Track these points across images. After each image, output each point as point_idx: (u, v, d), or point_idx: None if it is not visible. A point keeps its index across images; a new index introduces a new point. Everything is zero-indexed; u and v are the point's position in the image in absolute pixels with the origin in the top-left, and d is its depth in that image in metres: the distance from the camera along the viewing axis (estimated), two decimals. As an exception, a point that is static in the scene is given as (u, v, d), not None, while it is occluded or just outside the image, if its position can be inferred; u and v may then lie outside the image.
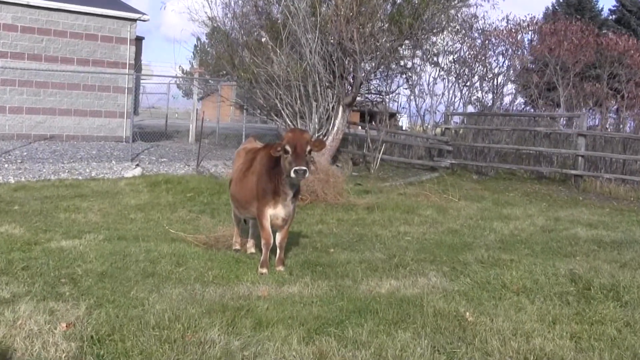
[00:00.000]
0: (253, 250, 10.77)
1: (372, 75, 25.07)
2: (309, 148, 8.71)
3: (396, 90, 29.52)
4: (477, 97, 30.59)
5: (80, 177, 19.20)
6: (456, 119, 28.80)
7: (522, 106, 31.82)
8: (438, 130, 29.91)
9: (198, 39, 29.53)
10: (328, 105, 21.77)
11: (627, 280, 8.93)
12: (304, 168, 8.47)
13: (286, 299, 7.96)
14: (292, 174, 8.47)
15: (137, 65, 28.49)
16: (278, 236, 9.70)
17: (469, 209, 16.76)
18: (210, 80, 34.72)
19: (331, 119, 22.39)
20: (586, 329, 7.08)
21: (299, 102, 21.07)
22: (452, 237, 12.83)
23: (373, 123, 29.51)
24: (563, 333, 6.92)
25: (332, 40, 22.05)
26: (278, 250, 9.69)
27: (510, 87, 30.92)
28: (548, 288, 8.68)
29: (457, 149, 26.51)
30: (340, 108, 22.53)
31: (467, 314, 7.42)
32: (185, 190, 17.18)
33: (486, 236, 13.05)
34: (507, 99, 31.17)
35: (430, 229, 13.78)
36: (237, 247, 10.99)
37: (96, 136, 27.06)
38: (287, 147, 8.62)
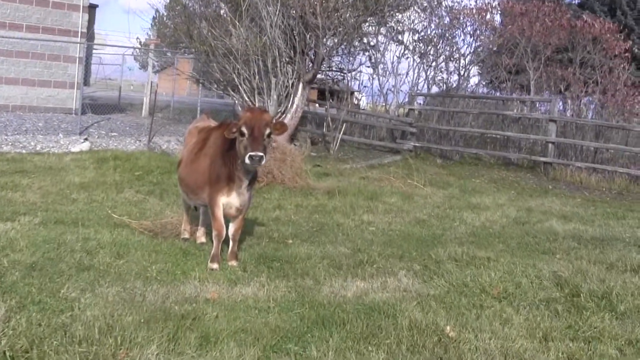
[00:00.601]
0: (203, 239, 9.80)
1: (334, 51, 24.15)
2: (268, 131, 7.81)
3: (358, 68, 28.52)
4: (442, 77, 29.59)
5: (24, 151, 17.88)
6: (420, 100, 27.76)
7: (488, 89, 30.80)
8: (401, 111, 28.91)
9: (157, 10, 28.42)
10: (288, 81, 21.04)
11: (618, 286, 8.19)
12: (261, 154, 7.56)
13: (239, 303, 7.08)
14: (247, 160, 7.60)
15: (89, 34, 27.11)
16: (231, 227, 8.77)
17: (435, 196, 15.97)
18: (167, 53, 33.57)
19: (290, 96, 21.67)
20: (583, 348, 6.34)
21: (257, 77, 20.25)
22: (420, 229, 12.03)
23: (332, 101, 28.43)
24: (559, 354, 6.17)
25: (293, 14, 21.27)
26: (231, 243, 8.77)
27: (476, 69, 29.97)
28: (532, 293, 7.94)
29: (421, 131, 25.54)
30: (300, 85, 21.85)
31: (448, 327, 6.58)
32: (134, 168, 16.08)
33: (456, 228, 12.31)
34: (473, 81, 30.26)
35: (395, 218, 12.95)
36: (186, 235, 10.02)
37: (44, 107, 25.56)
38: (244, 129, 7.72)
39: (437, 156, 24.56)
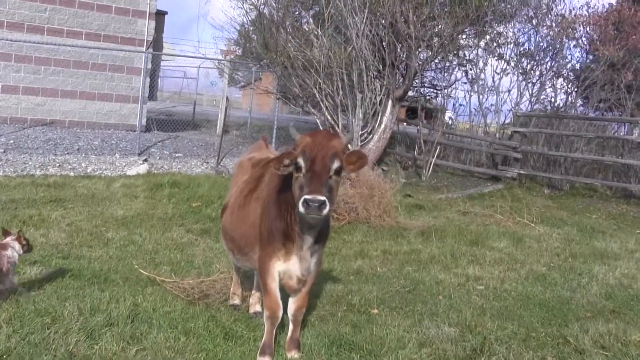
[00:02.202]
0: (259, 308, 7.33)
1: (428, 65, 21.69)
2: (336, 165, 5.39)
3: (454, 84, 25.68)
4: (547, 96, 26.40)
5: (71, 174, 15.76)
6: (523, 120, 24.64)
7: (599, 110, 27.14)
8: (495, 131, 25.91)
9: (243, 24, 26.54)
10: (375, 98, 19.05)
11: None
12: (321, 198, 5.14)
13: None
14: (301, 207, 5.18)
15: (155, 44, 24.86)
16: (291, 304, 6.25)
17: (550, 238, 13.25)
18: (241, 65, 31.39)
19: (378, 114, 19.47)
20: None
21: (341, 92, 18.39)
22: (541, 288, 9.54)
23: (424, 121, 25.67)
24: None
25: (383, 22, 19.08)
26: (291, 326, 6.31)
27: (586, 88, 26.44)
28: None
29: (525, 156, 22.55)
30: (390, 102, 19.60)
31: None
32: (192, 198, 13.81)
33: (587, 287, 9.68)
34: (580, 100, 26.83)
35: (508, 272, 10.34)
36: (236, 301, 7.62)
37: (105, 124, 23.38)
38: (300, 161, 5.38)
39: (545, 185, 21.52)
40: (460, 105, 27.19)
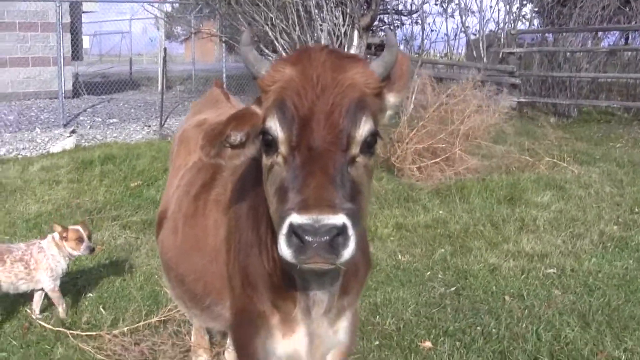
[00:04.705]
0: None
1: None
2: (365, 128, 2.45)
3: (423, 5, 22.62)
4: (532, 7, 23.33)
5: (-22, 160, 12.62)
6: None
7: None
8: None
9: None
10: (338, 30, 16.24)
11: None
12: (332, 221, 2.19)
13: None
14: (284, 247, 2.24)
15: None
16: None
17: (593, 182, 10.52)
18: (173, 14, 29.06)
19: (343, 48, 16.37)
20: None
21: (297, 27, 15.81)
22: (635, 262, 6.97)
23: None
24: None
25: None
26: None
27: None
28: None
29: (523, 81, 19.68)
30: (355, 33, 16.72)
31: None
32: (130, 176, 10.80)
33: None
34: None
35: (575, 240, 7.72)
36: (202, 359, 4.70)
37: (23, 93, 19.98)
38: (274, 126, 2.46)
39: (549, 113, 18.70)
40: (432, 30, 24.27)
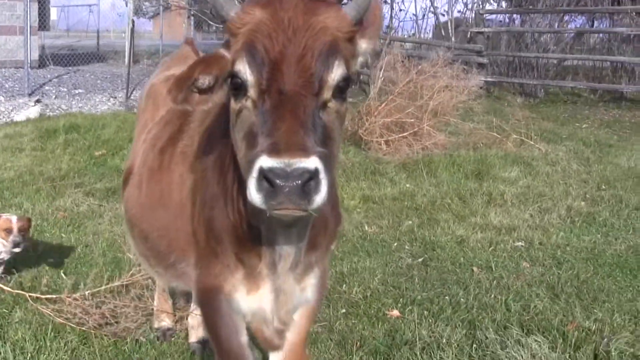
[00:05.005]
0: (203, 334, 4.24)
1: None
2: (337, 72, 2.37)
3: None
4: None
5: (-61, 129, 12.34)
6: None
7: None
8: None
9: None
10: None
11: None
12: (304, 165, 2.12)
13: None
14: (254, 192, 2.16)
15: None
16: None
17: (560, 159, 10.59)
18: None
19: None
20: None
21: None
22: (602, 236, 7.03)
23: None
24: None
25: None
26: None
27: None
28: None
29: (490, 62, 19.74)
30: None
31: None
32: (94, 145, 10.60)
33: None
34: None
35: (543, 214, 7.75)
36: (165, 323, 4.63)
37: (-14, 62, 19.41)
38: (244, 69, 2.37)
39: (516, 93, 18.72)
40: (401, 10, 24.07)
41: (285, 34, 2.31)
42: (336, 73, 2.32)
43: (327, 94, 2.32)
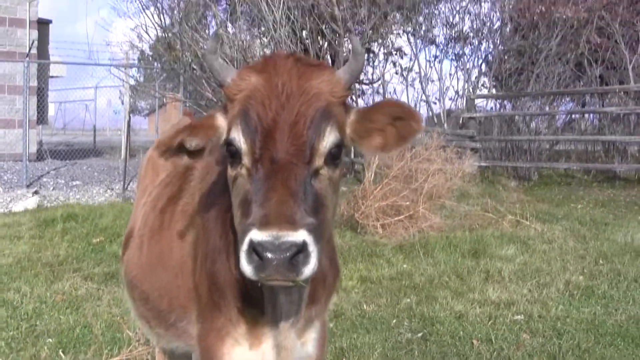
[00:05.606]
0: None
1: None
2: (330, 139, 2.44)
3: (384, 74, 22.71)
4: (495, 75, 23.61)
5: (-60, 220, 12.39)
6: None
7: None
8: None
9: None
10: None
11: None
12: (292, 238, 2.17)
13: None
14: (245, 263, 2.22)
15: (41, 57, 21.33)
16: None
17: (557, 237, 10.59)
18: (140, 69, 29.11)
19: None
20: None
21: None
22: (602, 308, 7.03)
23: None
24: None
25: (303, 4, 16.62)
26: None
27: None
28: None
29: (483, 147, 20.02)
30: None
31: None
32: (92, 233, 10.67)
33: None
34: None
35: (541, 289, 7.73)
36: None
37: (-14, 155, 19.53)
38: (237, 136, 2.44)
39: (510, 177, 18.92)
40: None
41: (279, 100, 2.36)
42: (328, 140, 2.37)
43: (318, 161, 2.36)
